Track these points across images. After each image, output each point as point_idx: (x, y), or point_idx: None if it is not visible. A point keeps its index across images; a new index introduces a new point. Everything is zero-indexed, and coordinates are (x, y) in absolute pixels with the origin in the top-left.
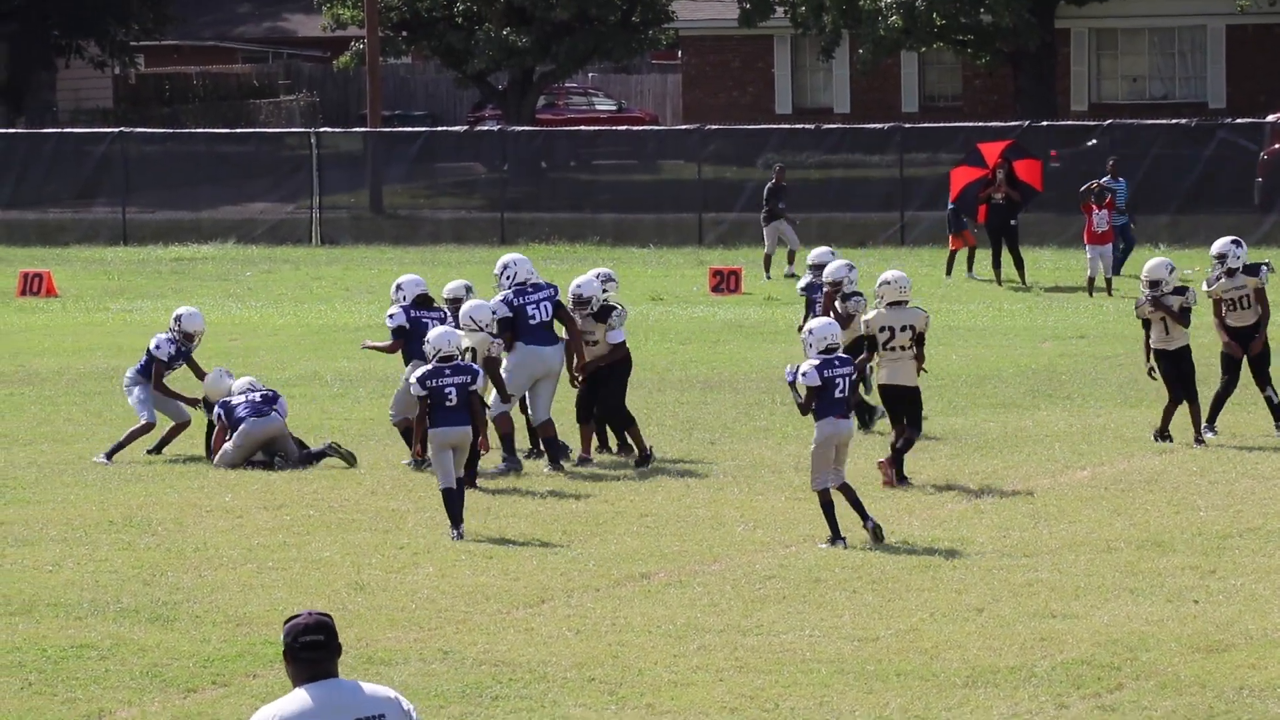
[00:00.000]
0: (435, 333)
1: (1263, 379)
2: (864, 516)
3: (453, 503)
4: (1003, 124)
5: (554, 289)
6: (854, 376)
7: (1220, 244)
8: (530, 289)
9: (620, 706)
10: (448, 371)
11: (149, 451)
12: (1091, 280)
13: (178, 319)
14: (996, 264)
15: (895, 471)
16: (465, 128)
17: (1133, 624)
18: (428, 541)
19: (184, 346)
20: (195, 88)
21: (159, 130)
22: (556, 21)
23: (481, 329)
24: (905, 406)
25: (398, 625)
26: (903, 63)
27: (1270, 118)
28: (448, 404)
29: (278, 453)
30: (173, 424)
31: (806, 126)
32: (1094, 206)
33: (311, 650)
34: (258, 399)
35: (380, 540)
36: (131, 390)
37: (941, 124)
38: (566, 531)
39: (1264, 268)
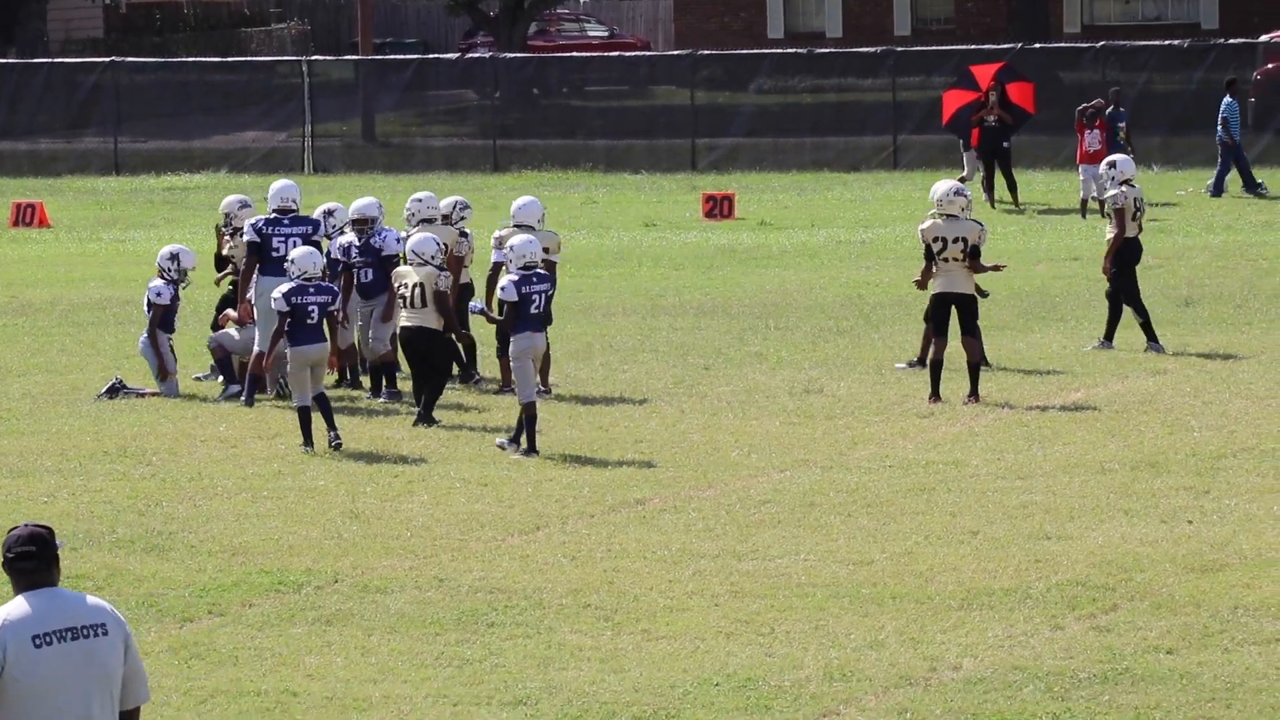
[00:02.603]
0: (299, 253)
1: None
2: (521, 439)
3: (306, 420)
4: (995, 46)
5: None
6: (550, 293)
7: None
8: (289, 221)
9: (616, 632)
10: (311, 290)
11: (103, 395)
12: (1084, 201)
13: (175, 256)
14: (989, 186)
15: (932, 388)
16: (457, 55)
17: (1127, 545)
18: (422, 470)
19: (182, 284)
20: (186, 17)
21: (150, 60)
22: None
23: (428, 262)
24: (961, 314)
25: (393, 553)
26: None
27: (1263, 38)
28: (309, 322)
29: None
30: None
31: (799, 51)
32: (1086, 126)
33: (25, 560)
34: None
35: (375, 469)
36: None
37: (934, 47)
38: (561, 458)
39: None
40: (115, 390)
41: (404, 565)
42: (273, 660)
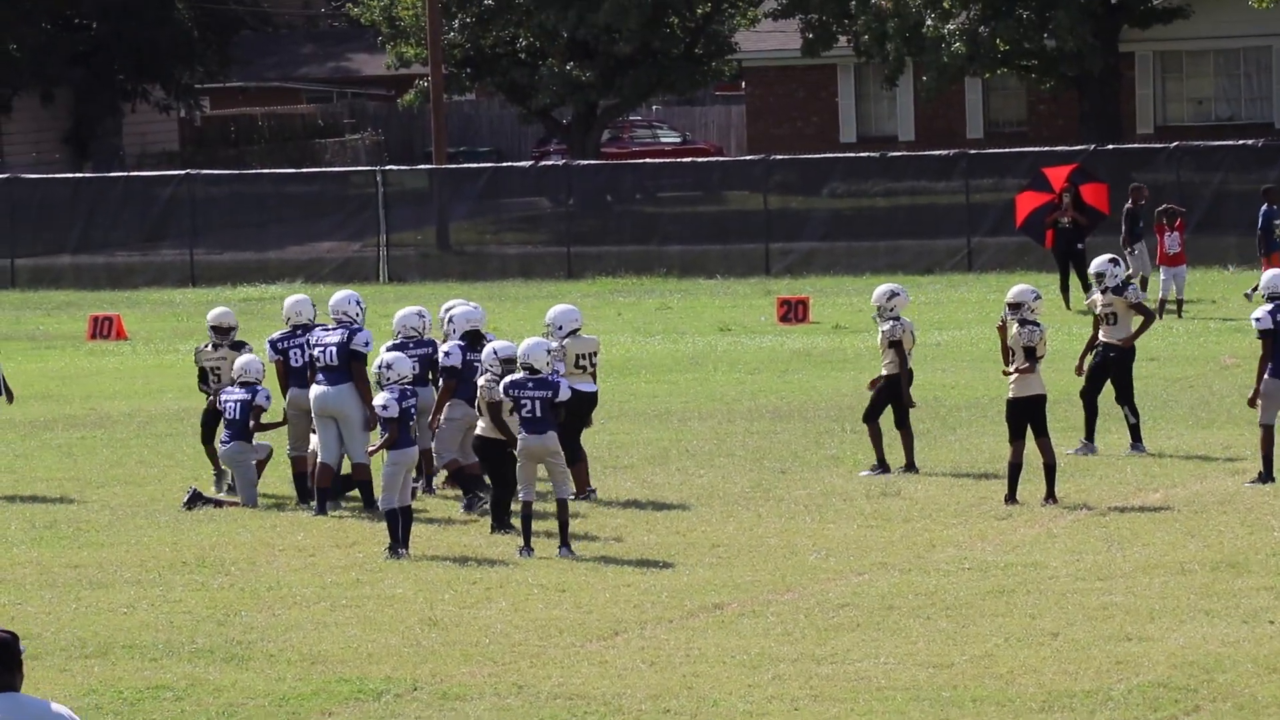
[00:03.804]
0: (393, 358)
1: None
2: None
3: (394, 524)
4: (1068, 148)
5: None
6: (551, 397)
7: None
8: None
9: None
10: (409, 394)
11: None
12: (1163, 302)
13: (245, 369)
14: (1065, 288)
15: (1009, 490)
16: (530, 163)
17: (1209, 646)
18: (500, 576)
19: (258, 378)
20: (260, 129)
21: (225, 172)
22: (620, 55)
23: (488, 370)
24: (1036, 416)
25: (472, 660)
26: (967, 89)
27: None
28: (410, 423)
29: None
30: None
31: (871, 155)
32: (1165, 228)
33: None
34: None
35: (452, 575)
36: (239, 462)
37: (1007, 149)
38: (638, 562)
39: (1130, 286)
40: (195, 500)
41: (483, 672)
42: None
